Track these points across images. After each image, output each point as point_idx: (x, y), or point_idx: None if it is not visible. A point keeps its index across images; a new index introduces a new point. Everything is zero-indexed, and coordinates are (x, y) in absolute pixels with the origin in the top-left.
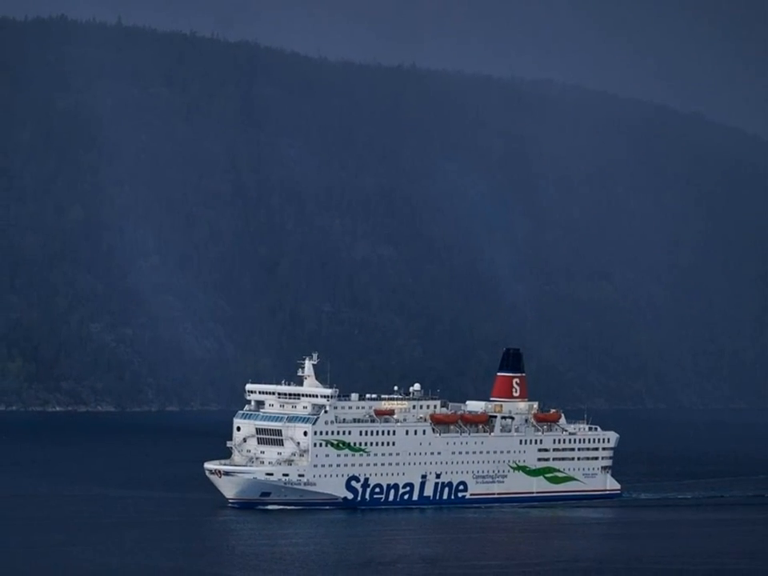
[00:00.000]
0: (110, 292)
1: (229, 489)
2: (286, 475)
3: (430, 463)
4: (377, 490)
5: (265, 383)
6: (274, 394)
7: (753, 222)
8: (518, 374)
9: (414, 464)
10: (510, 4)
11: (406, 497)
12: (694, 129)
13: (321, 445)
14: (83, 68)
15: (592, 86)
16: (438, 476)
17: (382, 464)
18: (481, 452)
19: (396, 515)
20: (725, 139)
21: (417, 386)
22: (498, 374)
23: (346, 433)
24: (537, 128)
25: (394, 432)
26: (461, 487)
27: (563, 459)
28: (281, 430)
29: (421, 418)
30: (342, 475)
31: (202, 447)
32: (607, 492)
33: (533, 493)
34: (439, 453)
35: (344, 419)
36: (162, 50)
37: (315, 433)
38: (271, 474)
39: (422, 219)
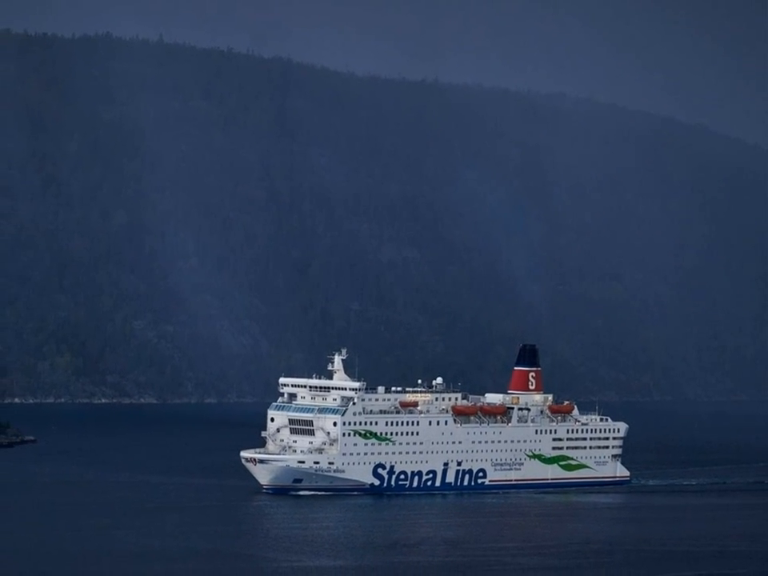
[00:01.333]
0: (152, 291)
1: (263, 476)
2: (317, 463)
3: (452, 452)
4: (402, 476)
5: (297, 377)
6: (305, 387)
7: (753, 226)
8: (534, 369)
9: (437, 452)
10: (526, 22)
11: (429, 483)
12: (698, 139)
13: (349, 434)
14: (127, 82)
15: (603, 99)
16: (459, 464)
17: (407, 452)
18: (499, 441)
19: (420, 500)
20: (727, 149)
21: (439, 380)
22: (515, 368)
23: (373, 423)
24: (551, 138)
25: (417, 423)
26: (480, 474)
27: (576, 448)
28: (312, 421)
29: (443, 409)
30: (369, 463)
31: (238, 437)
32: (617, 479)
33: (547, 479)
34: (460, 442)
35: (371, 410)
36: (201, 65)
37: (344, 423)
38: (303, 462)
39: (444, 223)
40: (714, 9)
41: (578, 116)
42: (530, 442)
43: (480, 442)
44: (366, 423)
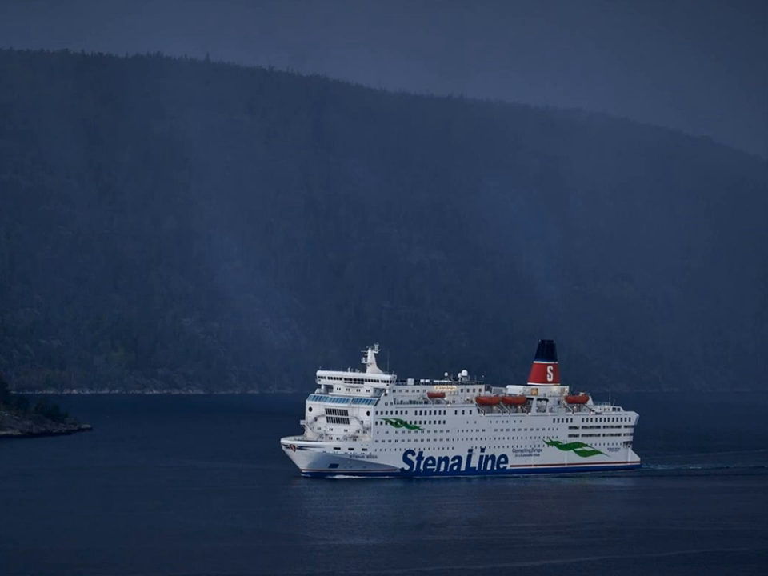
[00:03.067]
0: (200, 291)
1: (302, 461)
2: (352, 449)
3: (476, 439)
4: (429, 462)
5: (333, 370)
6: (341, 379)
7: (754, 230)
8: (552, 362)
9: (462, 440)
10: (545, 43)
11: (454, 468)
12: (703, 150)
13: (381, 423)
14: (176, 98)
15: (615, 114)
16: (482, 450)
17: (434, 439)
18: (519, 429)
19: (446, 484)
20: (730, 159)
21: (464, 372)
22: (534, 361)
23: (403, 413)
24: (568, 150)
25: (444, 412)
26: (502, 459)
27: (590, 435)
28: (347, 410)
29: (467, 399)
30: (400, 449)
31: (278, 425)
32: (628, 464)
33: (564, 464)
34: (484, 430)
35: (401, 401)
36: (245, 82)
37: (377, 413)
38: (338, 449)
39: (469, 228)
40: (718, 30)
41: (593, 129)
42: (548, 429)
43: (502, 430)
44: (396, 412)
